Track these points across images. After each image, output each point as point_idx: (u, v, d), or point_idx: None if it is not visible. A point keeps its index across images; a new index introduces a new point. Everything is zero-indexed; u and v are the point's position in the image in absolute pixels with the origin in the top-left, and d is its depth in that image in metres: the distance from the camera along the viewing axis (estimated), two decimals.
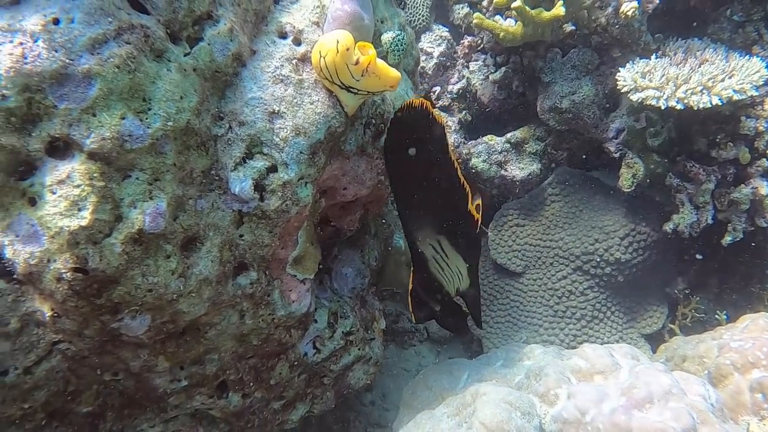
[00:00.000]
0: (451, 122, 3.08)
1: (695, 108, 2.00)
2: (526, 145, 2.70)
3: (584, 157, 2.70)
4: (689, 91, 2.00)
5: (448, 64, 3.21)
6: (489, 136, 2.75)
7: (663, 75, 2.08)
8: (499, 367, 1.92)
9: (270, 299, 1.57)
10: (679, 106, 2.03)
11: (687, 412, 1.40)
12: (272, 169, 1.40)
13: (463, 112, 3.11)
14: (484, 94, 2.89)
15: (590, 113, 2.46)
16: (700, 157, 2.34)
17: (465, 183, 1.72)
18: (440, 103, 3.15)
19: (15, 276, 1.27)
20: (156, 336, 1.40)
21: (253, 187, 1.36)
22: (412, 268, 1.90)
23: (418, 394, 1.93)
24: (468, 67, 3.05)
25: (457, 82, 3.11)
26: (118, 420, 1.64)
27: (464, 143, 3.02)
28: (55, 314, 1.31)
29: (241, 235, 1.43)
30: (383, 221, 2.17)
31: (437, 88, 3.16)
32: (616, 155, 2.48)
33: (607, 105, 2.48)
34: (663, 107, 2.06)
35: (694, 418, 1.40)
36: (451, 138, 3.06)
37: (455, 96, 3.11)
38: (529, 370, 1.72)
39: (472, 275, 1.94)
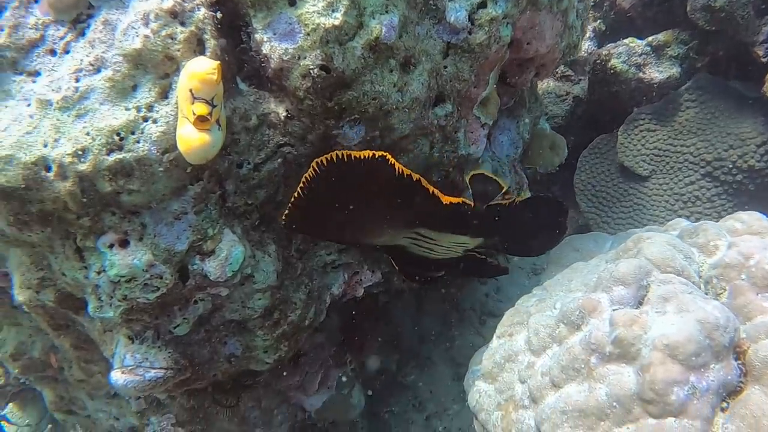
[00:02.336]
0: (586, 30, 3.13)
1: None
2: (668, 49, 2.73)
3: (726, 66, 2.71)
4: None
5: None
6: (630, 39, 2.79)
7: None
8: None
9: (456, 136, 1.71)
10: None
11: None
12: (482, 4, 1.52)
13: (598, 21, 3.15)
14: None
15: (744, 13, 2.47)
16: None
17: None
18: None
19: (263, 75, 1.45)
20: (365, 149, 1.56)
21: (467, 17, 1.49)
22: (389, 256, 1.73)
23: (566, 254, 2.06)
24: None
25: None
26: (305, 241, 1.83)
27: (593, 51, 3.07)
28: (289, 115, 1.48)
29: (445, 66, 1.57)
30: (536, 99, 2.28)
31: None
32: (765, 60, 2.49)
33: (762, 6, 2.48)
34: None
35: None
36: (585, 45, 3.11)
37: (591, 4, 3.14)
38: (683, 231, 1.82)
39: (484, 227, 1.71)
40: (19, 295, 1.69)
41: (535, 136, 2.35)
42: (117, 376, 1.64)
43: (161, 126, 1.34)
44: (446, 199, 1.52)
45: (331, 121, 1.47)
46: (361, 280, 2.05)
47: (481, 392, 1.73)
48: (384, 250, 1.72)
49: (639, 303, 1.49)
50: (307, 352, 2.23)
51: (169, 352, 1.69)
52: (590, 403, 1.41)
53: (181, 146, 1.27)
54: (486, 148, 2.03)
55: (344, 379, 2.44)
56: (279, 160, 1.55)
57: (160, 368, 1.67)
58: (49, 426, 2.80)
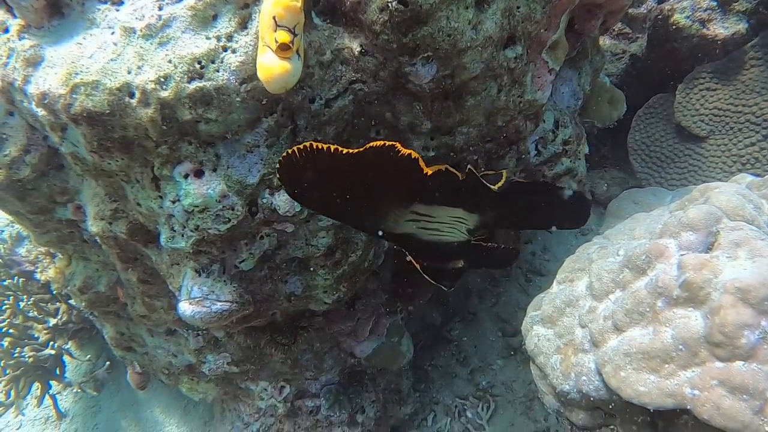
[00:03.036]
0: None
1: None
2: (735, 3, 2.65)
3: None
4: None
5: None
6: None
7: None
8: None
9: (524, 80, 1.70)
10: None
11: None
12: None
13: None
14: None
15: None
16: None
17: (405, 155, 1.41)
18: None
19: (339, 9, 1.46)
20: (435, 88, 1.56)
21: None
22: (406, 256, 1.70)
23: (624, 206, 2.05)
24: None
25: None
26: None
27: (654, 7, 2.99)
28: (362, 51, 1.49)
29: (518, 6, 1.55)
30: (597, 51, 2.24)
31: None
32: None
33: None
34: None
35: None
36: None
37: None
38: (750, 183, 1.79)
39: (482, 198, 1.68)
40: (93, 226, 1.75)
41: (595, 89, 2.32)
42: (185, 307, 1.70)
43: (240, 56, 1.36)
44: (429, 169, 1.47)
45: (405, 57, 1.47)
46: None
47: (540, 336, 1.75)
48: (398, 244, 1.67)
49: (708, 249, 1.48)
50: (361, 298, 2.27)
51: (234, 287, 1.73)
52: (655, 345, 1.41)
53: (262, 74, 1.28)
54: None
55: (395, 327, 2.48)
56: (350, 97, 1.56)
57: (226, 301, 1.72)
58: (107, 363, 2.91)
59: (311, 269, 1.84)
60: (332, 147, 1.32)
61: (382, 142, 1.35)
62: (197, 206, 1.50)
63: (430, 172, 1.46)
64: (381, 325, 2.46)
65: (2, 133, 1.68)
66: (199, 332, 2.23)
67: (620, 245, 1.71)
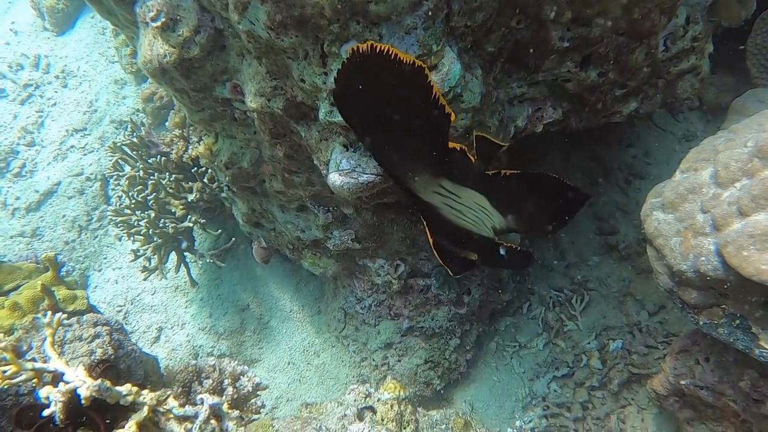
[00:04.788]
0: None
1: None
2: None
3: None
4: None
5: None
6: None
7: None
8: None
9: None
10: None
11: None
12: None
13: None
14: None
15: None
16: None
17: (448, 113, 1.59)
18: None
19: None
20: None
21: None
22: (424, 223, 1.80)
23: (749, 105, 2.10)
24: None
25: None
26: (502, 70, 1.96)
27: None
28: None
29: None
30: None
31: None
32: None
33: None
34: None
35: None
36: None
37: None
38: None
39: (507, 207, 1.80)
40: (252, 102, 1.94)
41: None
42: (335, 178, 1.89)
43: None
44: (451, 144, 1.67)
45: None
46: (542, 116, 2.17)
47: (660, 221, 1.87)
48: (421, 211, 1.80)
49: None
50: None
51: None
52: None
53: None
54: None
55: None
56: None
57: (371, 173, 1.89)
58: (233, 239, 3.20)
59: None
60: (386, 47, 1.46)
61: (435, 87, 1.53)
62: None
63: (451, 146, 1.65)
64: None
65: (177, 15, 1.86)
66: (329, 208, 2.44)
67: (748, 138, 1.78)
